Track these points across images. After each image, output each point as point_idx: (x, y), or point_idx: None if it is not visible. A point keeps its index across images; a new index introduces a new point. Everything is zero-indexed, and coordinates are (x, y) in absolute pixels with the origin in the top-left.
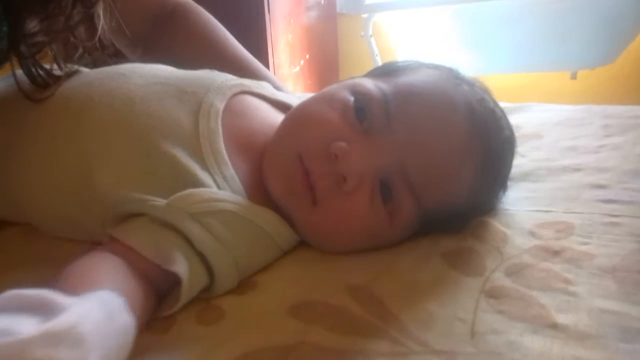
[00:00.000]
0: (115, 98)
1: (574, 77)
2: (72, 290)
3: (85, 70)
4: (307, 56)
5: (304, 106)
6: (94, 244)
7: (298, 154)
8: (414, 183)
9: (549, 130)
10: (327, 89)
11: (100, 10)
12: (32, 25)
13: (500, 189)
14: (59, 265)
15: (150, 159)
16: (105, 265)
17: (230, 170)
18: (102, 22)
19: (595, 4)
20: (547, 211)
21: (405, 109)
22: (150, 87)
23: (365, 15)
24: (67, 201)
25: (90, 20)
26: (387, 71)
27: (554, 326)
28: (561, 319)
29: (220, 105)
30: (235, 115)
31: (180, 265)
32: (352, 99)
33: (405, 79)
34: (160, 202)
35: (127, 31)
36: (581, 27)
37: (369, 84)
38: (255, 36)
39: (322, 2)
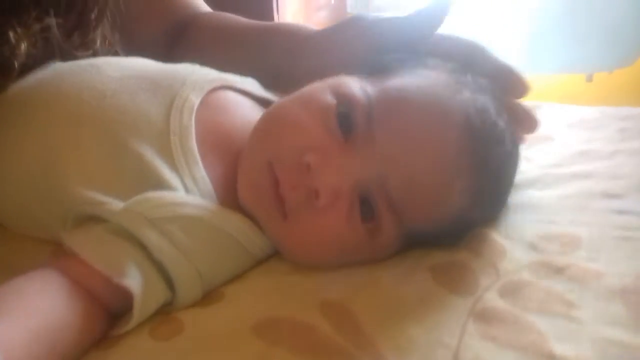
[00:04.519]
0: (85, 90)
1: (589, 79)
2: None
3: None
4: None
5: (279, 107)
6: (58, 245)
7: (268, 161)
8: (395, 201)
9: (561, 132)
10: (308, 88)
11: (97, 37)
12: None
13: (498, 207)
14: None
15: (115, 157)
16: (36, 299)
17: (202, 172)
18: (97, 46)
19: (613, 3)
20: (551, 222)
21: (391, 117)
22: (124, 80)
23: None
24: (27, 195)
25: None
26: (379, 68)
27: (551, 357)
28: (560, 349)
29: (196, 100)
30: (213, 111)
31: (133, 279)
32: (334, 102)
33: (395, 82)
34: (117, 205)
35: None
36: (598, 27)
37: (354, 86)
38: None
39: (332, 2)
